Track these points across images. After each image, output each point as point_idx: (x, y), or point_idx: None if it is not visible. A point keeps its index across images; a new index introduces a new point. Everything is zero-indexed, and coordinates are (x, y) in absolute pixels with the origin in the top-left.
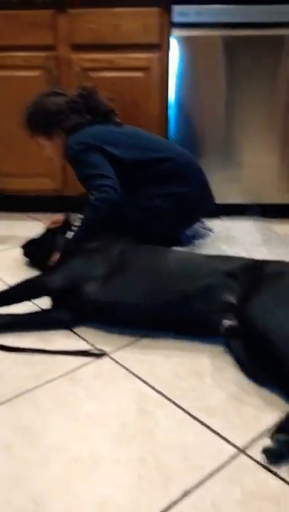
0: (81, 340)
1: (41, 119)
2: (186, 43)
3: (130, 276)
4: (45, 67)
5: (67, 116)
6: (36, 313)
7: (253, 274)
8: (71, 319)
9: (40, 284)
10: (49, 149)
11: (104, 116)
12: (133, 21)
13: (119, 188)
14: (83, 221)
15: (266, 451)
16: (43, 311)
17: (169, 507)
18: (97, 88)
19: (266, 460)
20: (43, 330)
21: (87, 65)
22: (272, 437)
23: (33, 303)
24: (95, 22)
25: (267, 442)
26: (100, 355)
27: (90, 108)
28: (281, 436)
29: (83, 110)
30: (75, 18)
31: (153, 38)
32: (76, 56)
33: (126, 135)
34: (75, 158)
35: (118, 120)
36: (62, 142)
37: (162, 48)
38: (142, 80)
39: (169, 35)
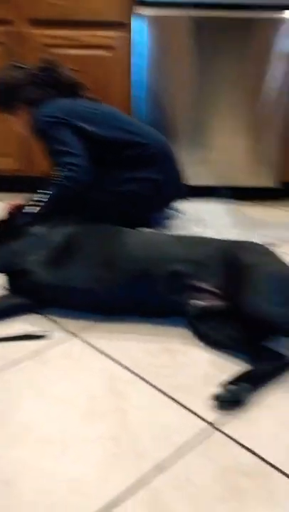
0: (50, 323)
1: (0, 95)
2: (152, 22)
3: (78, 260)
4: (3, 42)
5: (26, 89)
6: None
7: (225, 257)
8: (32, 304)
9: None
10: (17, 124)
11: (71, 89)
12: None
13: (90, 168)
14: (46, 198)
15: (217, 398)
16: (4, 298)
17: (143, 483)
18: (57, 60)
19: (215, 406)
20: (7, 317)
21: (49, 41)
22: (224, 386)
23: None
24: None
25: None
26: (41, 336)
27: (53, 81)
28: (232, 387)
29: (45, 83)
30: None
31: (117, 16)
32: (37, 32)
33: (103, 113)
34: (43, 131)
35: (94, 96)
36: (27, 116)
37: (127, 26)
38: (107, 59)
39: (133, 13)
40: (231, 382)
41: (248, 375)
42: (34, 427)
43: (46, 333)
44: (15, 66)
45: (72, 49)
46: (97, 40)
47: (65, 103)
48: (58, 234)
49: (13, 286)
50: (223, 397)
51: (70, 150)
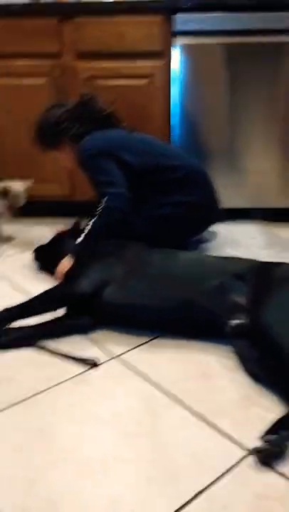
0: (93, 344)
1: (44, 134)
2: (188, 50)
3: (146, 278)
4: (51, 75)
5: (68, 125)
6: (54, 321)
7: (261, 276)
8: (90, 324)
9: (68, 291)
10: (64, 160)
11: (107, 121)
12: (136, 29)
13: (130, 196)
14: (92, 228)
15: (258, 452)
16: (62, 319)
17: (181, 508)
18: (96, 94)
19: (257, 460)
20: (63, 337)
21: (92, 73)
22: (262, 438)
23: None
24: (99, 30)
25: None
26: (92, 364)
27: (90, 115)
28: (271, 437)
29: (83, 117)
30: (80, 26)
31: (156, 46)
32: (81, 64)
33: (137, 141)
34: (87, 162)
35: (128, 126)
36: (72, 151)
37: (165, 55)
38: (146, 87)
39: (171, 43)
40: (269, 432)
41: (284, 420)
42: (76, 448)
43: (96, 361)
44: (56, 105)
45: (113, 79)
46: (137, 70)
47: (104, 134)
48: (127, 253)
49: (73, 307)
50: (265, 450)
51: (113, 180)
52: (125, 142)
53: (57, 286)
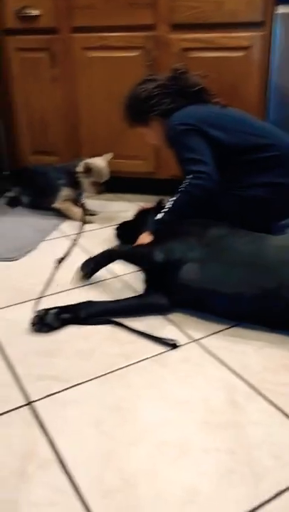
0: (171, 325)
1: (135, 109)
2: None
3: (226, 263)
4: (144, 47)
5: (158, 100)
6: (133, 298)
7: None
8: (167, 305)
9: (145, 253)
10: (150, 136)
11: (197, 95)
12: None
13: (217, 175)
14: (174, 205)
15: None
16: (140, 297)
17: (259, 506)
18: (188, 68)
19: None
20: (140, 315)
21: (186, 45)
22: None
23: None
24: (196, 0)
25: None
26: (172, 345)
27: (181, 89)
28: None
29: (174, 92)
30: None
31: (256, 16)
32: (175, 36)
33: (229, 118)
34: (175, 138)
35: (220, 101)
36: (161, 127)
37: (266, 25)
38: (243, 59)
39: (273, 11)
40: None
41: None
42: (153, 428)
43: (176, 342)
44: (147, 79)
45: (208, 51)
46: (234, 42)
47: (195, 110)
48: (209, 235)
49: (154, 283)
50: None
51: (200, 158)
52: (216, 119)
53: (138, 246)
